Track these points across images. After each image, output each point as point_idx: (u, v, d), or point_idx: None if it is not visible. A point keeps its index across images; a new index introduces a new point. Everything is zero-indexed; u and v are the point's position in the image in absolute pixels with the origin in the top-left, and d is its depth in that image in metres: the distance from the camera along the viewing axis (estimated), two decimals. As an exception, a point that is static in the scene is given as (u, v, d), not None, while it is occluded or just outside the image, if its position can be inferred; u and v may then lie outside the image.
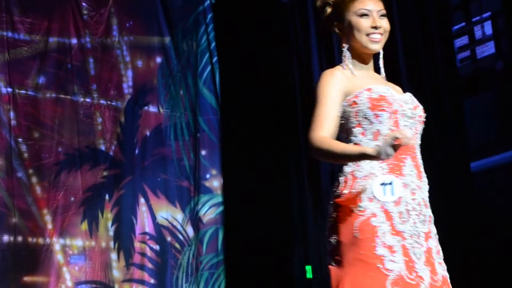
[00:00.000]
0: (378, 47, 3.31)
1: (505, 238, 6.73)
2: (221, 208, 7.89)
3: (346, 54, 3.33)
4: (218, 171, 7.96)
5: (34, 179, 7.25)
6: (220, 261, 7.78)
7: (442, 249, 3.31)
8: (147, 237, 7.68)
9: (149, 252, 7.65)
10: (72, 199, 7.42)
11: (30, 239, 7.18)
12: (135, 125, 7.84)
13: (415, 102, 3.31)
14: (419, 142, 3.29)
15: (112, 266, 7.51)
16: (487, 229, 6.66)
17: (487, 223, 6.74)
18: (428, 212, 3.26)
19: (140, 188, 7.73)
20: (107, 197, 7.59)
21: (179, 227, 7.78)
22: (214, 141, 8.01)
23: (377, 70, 3.43)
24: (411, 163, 3.21)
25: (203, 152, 7.99)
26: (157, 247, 7.68)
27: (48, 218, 7.24)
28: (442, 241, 3.28)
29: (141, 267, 7.59)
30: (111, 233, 7.56)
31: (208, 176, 7.97)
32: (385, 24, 3.32)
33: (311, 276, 7.61)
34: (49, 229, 7.24)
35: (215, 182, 7.96)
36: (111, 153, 7.69)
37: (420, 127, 3.30)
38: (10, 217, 7.07)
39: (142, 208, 7.72)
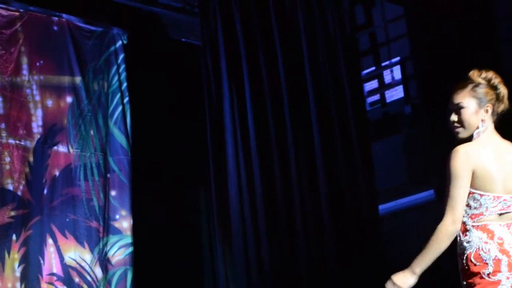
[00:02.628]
0: (460, 136, 3.69)
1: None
2: (130, 249, 7.82)
3: None
4: (127, 212, 7.91)
5: None
6: (129, 303, 7.72)
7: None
8: (55, 278, 7.57)
9: (56, 294, 7.55)
10: (-22, 239, 7.30)
11: None
12: (44, 164, 7.76)
13: None
14: None
15: (18, 307, 7.39)
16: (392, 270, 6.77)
17: (393, 264, 6.86)
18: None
19: (48, 228, 7.63)
20: (14, 237, 7.48)
21: (87, 268, 7.70)
22: (124, 181, 7.96)
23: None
24: None
25: (113, 193, 7.94)
26: (64, 289, 7.58)
27: (-47, 258, 7.10)
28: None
29: (48, 309, 7.49)
30: (18, 274, 7.43)
31: (117, 217, 7.91)
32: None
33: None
34: (-46, 270, 7.10)
35: (124, 223, 7.90)
36: (19, 192, 7.59)
37: None
38: None
39: (50, 249, 7.62)
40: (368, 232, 6.79)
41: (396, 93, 7.97)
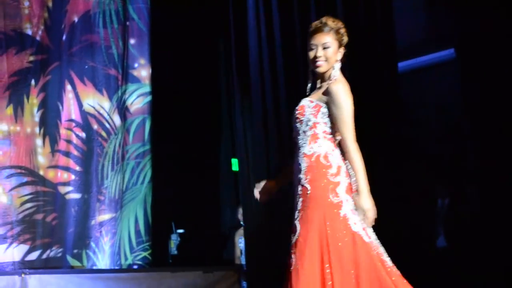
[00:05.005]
0: (321, 70, 4.23)
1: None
2: (149, 98, 7.83)
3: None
4: (146, 60, 7.88)
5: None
6: (147, 151, 7.76)
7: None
8: (73, 124, 7.64)
9: (75, 139, 7.62)
10: (-2, 83, 7.36)
11: None
12: (63, 10, 7.72)
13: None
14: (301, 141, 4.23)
15: (37, 152, 7.50)
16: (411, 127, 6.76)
17: (412, 121, 6.86)
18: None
19: (67, 74, 7.66)
20: (33, 82, 7.54)
21: (105, 115, 7.74)
22: (144, 30, 7.89)
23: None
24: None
25: (132, 41, 7.89)
26: (83, 135, 7.65)
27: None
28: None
29: (67, 154, 7.58)
30: (37, 119, 7.53)
31: (136, 65, 7.89)
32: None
33: (237, 169, 7.67)
34: (-27, 112, 7.21)
35: (143, 72, 7.88)
36: (38, 38, 7.60)
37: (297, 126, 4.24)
38: None
39: (69, 95, 7.66)
40: (387, 88, 6.72)
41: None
